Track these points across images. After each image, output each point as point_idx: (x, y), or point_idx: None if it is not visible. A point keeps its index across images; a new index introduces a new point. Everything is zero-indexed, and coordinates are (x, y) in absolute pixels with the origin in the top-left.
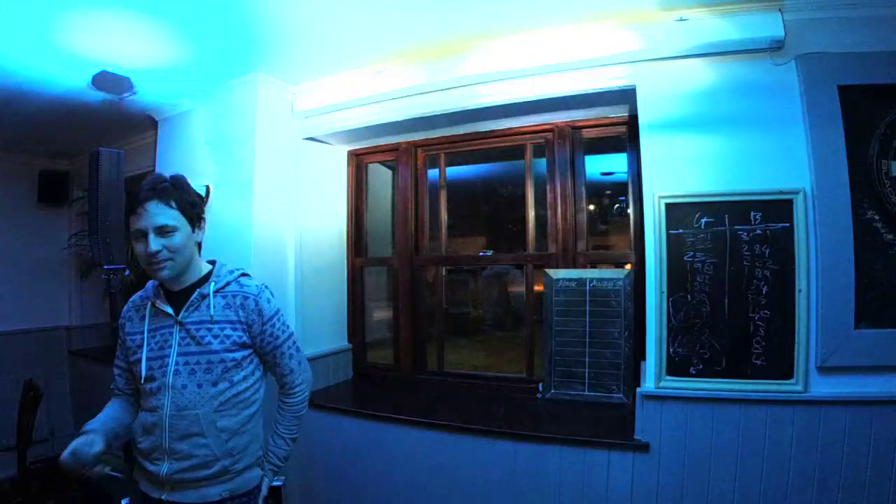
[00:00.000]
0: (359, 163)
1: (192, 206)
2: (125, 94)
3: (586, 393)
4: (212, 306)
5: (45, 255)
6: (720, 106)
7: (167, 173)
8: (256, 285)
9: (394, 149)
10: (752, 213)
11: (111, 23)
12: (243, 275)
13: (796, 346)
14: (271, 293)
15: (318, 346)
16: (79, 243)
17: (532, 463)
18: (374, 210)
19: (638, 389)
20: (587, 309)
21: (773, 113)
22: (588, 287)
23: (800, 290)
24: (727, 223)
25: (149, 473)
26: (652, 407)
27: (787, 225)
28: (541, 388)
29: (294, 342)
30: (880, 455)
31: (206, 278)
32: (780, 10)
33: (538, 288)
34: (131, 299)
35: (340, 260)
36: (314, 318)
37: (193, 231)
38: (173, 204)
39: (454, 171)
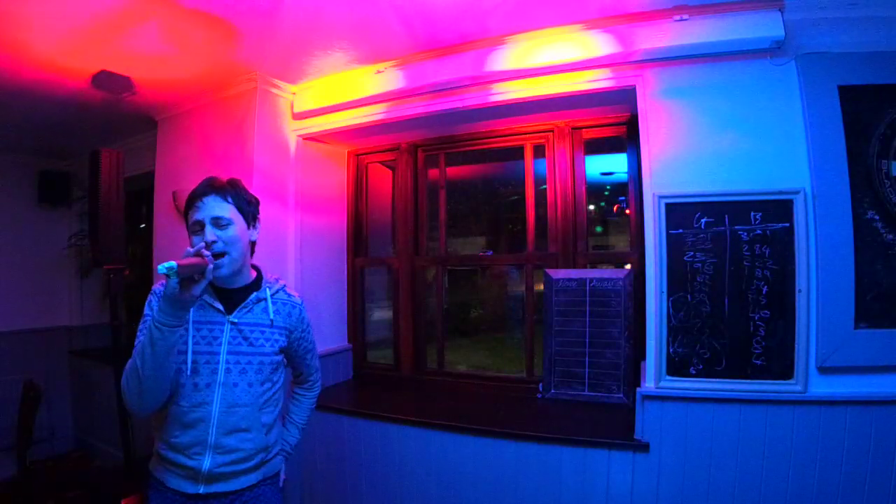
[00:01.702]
0: (359, 163)
1: (248, 203)
2: (125, 94)
3: (586, 393)
4: (271, 311)
5: (45, 255)
6: (720, 106)
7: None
8: (297, 296)
9: (394, 149)
10: (752, 213)
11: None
12: (283, 284)
13: (796, 346)
14: None
15: (318, 345)
16: (79, 243)
17: (532, 463)
18: (374, 210)
19: (638, 389)
20: (587, 309)
21: (773, 113)
22: (588, 287)
23: (800, 290)
24: (727, 223)
25: (184, 468)
26: (652, 407)
27: (787, 225)
28: (541, 388)
29: (314, 344)
30: (880, 455)
31: (257, 282)
32: (780, 10)
33: (538, 288)
34: (165, 284)
35: (340, 260)
36: (314, 319)
37: (248, 228)
38: (230, 199)
39: (454, 171)
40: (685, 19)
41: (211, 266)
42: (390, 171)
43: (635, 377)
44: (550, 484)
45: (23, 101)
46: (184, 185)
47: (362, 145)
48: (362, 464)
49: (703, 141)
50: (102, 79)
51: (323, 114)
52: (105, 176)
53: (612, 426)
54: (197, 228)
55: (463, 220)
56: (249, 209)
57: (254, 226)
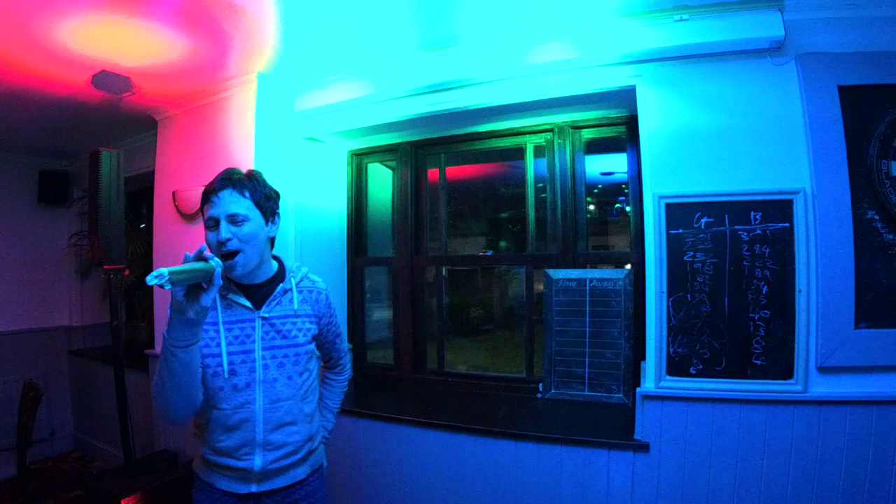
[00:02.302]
0: (359, 163)
1: (267, 198)
2: (125, 94)
3: (586, 393)
4: (295, 301)
5: (45, 255)
6: (720, 106)
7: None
8: (322, 281)
9: (394, 149)
10: (752, 213)
11: (112, 23)
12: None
13: (796, 346)
14: None
15: None
16: (79, 243)
17: (532, 463)
18: (374, 210)
19: (638, 389)
20: (587, 309)
21: (773, 113)
22: (588, 287)
23: (800, 290)
24: (727, 223)
25: (235, 471)
26: (652, 407)
27: (787, 225)
28: (541, 388)
29: (341, 327)
30: (880, 455)
31: (281, 273)
32: (780, 10)
33: (538, 288)
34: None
35: (340, 260)
36: None
37: (266, 224)
38: (247, 194)
39: (454, 171)
40: (685, 19)
41: (219, 270)
42: (390, 171)
43: (635, 377)
44: (550, 484)
45: (23, 101)
46: (184, 185)
47: (362, 145)
48: (361, 464)
49: (703, 141)
50: (102, 79)
51: (323, 114)
52: (105, 176)
53: (612, 426)
54: (212, 224)
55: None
56: (268, 204)
57: (273, 221)
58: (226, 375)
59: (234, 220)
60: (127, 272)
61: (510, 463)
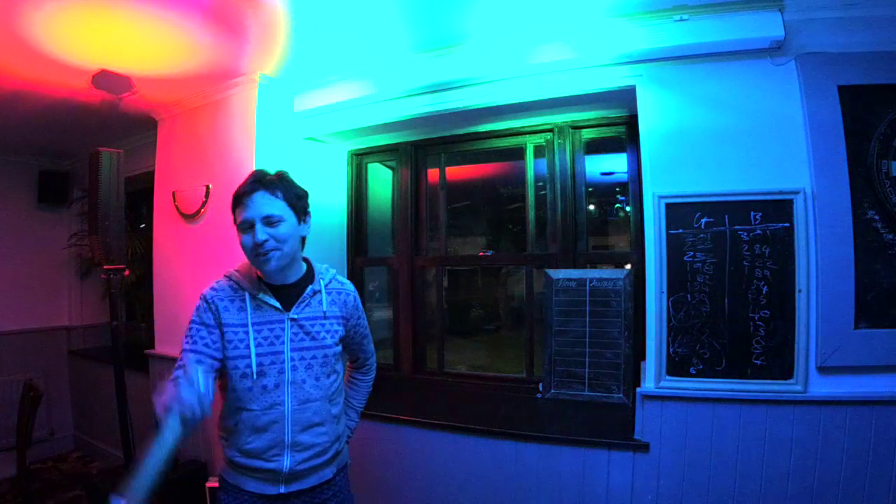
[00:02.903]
0: (359, 163)
1: (298, 198)
2: (125, 94)
3: (586, 393)
4: (324, 302)
5: (45, 255)
6: (720, 106)
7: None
8: (349, 282)
9: (394, 149)
10: (752, 213)
11: (112, 23)
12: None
13: (796, 346)
14: None
15: None
16: (79, 243)
17: (532, 463)
18: (374, 210)
19: (638, 389)
20: (587, 309)
21: (773, 113)
22: (588, 287)
23: (800, 290)
24: (727, 223)
25: (264, 472)
26: (652, 407)
27: (787, 225)
28: (541, 388)
29: (368, 328)
30: (880, 455)
31: (310, 275)
32: (780, 10)
33: (538, 288)
34: (216, 288)
35: (340, 260)
36: None
37: (299, 224)
38: (279, 195)
39: (454, 171)
40: (685, 19)
41: (191, 414)
42: (390, 171)
43: (635, 377)
44: (550, 484)
45: (23, 101)
46: (184, 185)
47: (362, 145)
48: (361, 464)
49: (702, 141)
50: (102, 79)
51: (323, 114)
52: (105, 176)
53: (612, 426)
54: (246, 227)
55: (463, 220)
56: (300, 203)
57: (304, 220)
58: (254, 377)
59: (269, 221)
60: (127, 272)
61: (510, 463)
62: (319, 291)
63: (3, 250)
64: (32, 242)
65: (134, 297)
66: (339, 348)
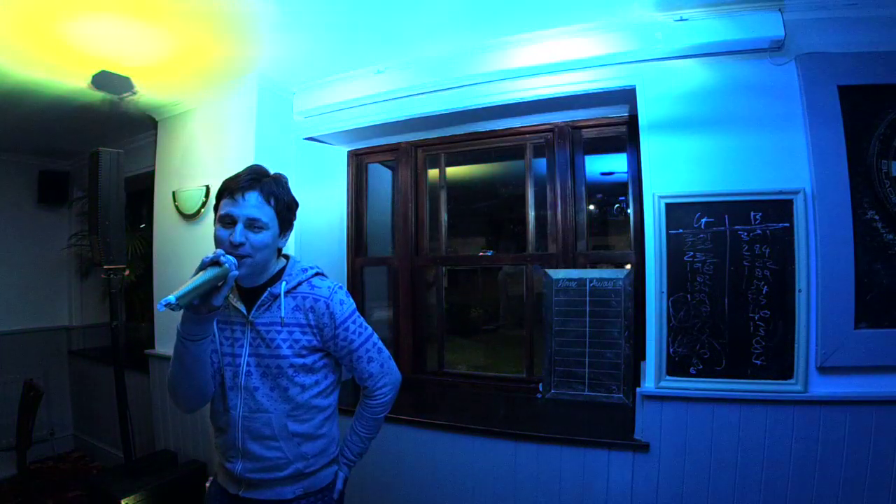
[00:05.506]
0: (359, 163)
1: (288, 209)
2: (125, 94)
3: (586, 393)
4: (282, 308)
5: (45, 255)
6: (720, 106)
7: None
8: (329, 286)
9: (394, 149)
10: (752, 213)
11: (112, 22)
12: (317, 274)
13: (796, 346)
14: (346, 294)
15: None
16: (79, 243)
17: (532, 463)
18: (374, 210)
19: (638, 389)
20: (587, 309)
21: (773, 113)
22: (588, 287)
23: (800, 290)
24: (727, 223)
25: (225, 470)
26: (652, 407)
27: (787, 225)
28: (541, 388)
29: (374, 344)
30: (880, 455)
31: (278, 276)
32: (780, 10)
33: (538, 288)
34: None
35: (340, 260)
36: None
37: (280, 235)
38: (272, 202)
39: (454, 171)
40: (685, 19)
41: (234, 272)
42: (390, 171)
43: (635, 377)
44: (550, 484)
45: (23, 101)
46: (184, 185)
47: (362, 145)
48: (361, 463)
49: (702, 141)
50: (102, 79)
51: (323, 114)
52: (105, 176)
53: (612, 426)
54: (227, 222)
55: (463, 220)
56: (288, 216)
57: (285, 234)
58: (217, 376)
59: (252, 225)
60: (127, 272)
61: (510, 463)
62: (279, 295)
63: (3, 250)
64: (32, 242)
65: (134, 297)
66: (303, 361)
